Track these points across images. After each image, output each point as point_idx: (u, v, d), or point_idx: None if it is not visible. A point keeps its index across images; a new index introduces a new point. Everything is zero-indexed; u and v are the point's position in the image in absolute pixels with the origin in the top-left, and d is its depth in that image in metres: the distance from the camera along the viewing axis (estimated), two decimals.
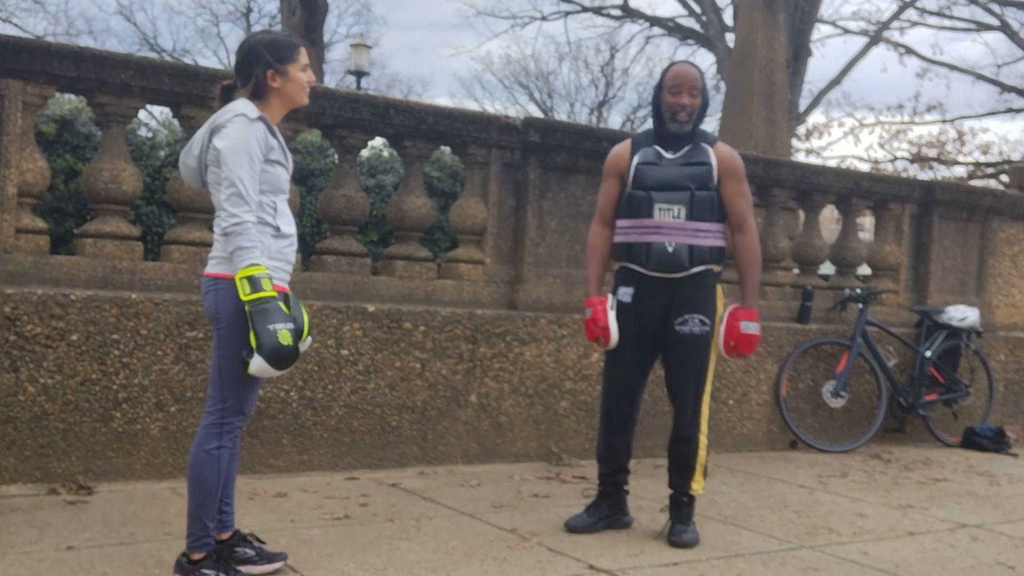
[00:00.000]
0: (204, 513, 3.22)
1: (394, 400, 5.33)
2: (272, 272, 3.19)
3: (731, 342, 4.14)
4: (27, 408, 4.42)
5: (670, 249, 4.10)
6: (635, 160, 4.22)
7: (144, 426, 4.67)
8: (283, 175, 3.29)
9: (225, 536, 3.40)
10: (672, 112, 4.15)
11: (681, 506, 4.26)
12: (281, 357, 3.07)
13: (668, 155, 4.18)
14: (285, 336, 3.06)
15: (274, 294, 3.10)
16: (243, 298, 3.07)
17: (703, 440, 4.24)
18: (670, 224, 4.11)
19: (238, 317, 3.14)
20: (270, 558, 3.43)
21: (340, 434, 5.18)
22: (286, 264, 3.31)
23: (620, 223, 4.25)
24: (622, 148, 4.32)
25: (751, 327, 4.13)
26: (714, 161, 4.14)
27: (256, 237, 3.12)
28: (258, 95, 3.29)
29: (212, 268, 3.23)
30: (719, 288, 4.24)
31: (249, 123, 3.15)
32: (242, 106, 3.20)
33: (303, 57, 3.33)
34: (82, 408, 4.54)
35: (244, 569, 3.34)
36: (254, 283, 3.07)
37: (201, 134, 3.27)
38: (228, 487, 3.39)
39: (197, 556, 3.22)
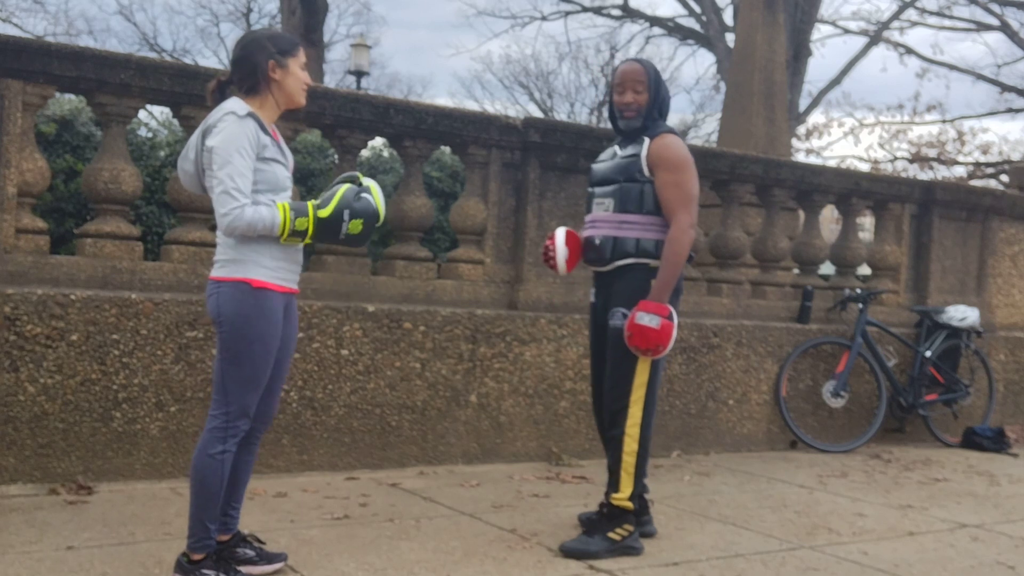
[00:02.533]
0: (206, 515, 3.21)
1: (394, 400, 5.33)
2: (279, 272, 3.21)
3: (628, 332, 3.91)
4: (27, 408, 4.42)
5: (597, 242, 4.12)
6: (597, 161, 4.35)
7: (144, 426, 4.67)
8: (281, 173, 3.27)
9: (225, 537, 3.40)
10: (620, 111, 4.14)
11: (600, 515, 4.02)
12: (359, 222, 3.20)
13: (620, 152, 4.19)
14: (355, 225, 3.20)
15: (310, 223, 3.16)
16: (310, 229, 3.17)
17: (629, 443, 3.98)
18: (601, 217, 4.14)
19: (239, 320, 3.14)
20: (270, 559, 3.44)
21: (340, 434, 5.18)
22: (292, 264, 3.30)
23: None
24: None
25: (646, 318, 3.87)
26: (644, 152, 4.04)
27: (254, 211, 3.09)
28: (255, 90, 3.26)
29: (215, 271, 3.22)
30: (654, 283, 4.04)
31: (239, 120, 3.13)
32: (232, 104, 3.19)
33: (303, 56, 3.34)
34: (82, 408, 4.54)
35: (244, 569, 3.34)
36: (299, 234, 3.15)
37: (195, 138, 3.26)
38: (239, 491, 3.40)
39: (197, 556, 3.22)
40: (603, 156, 4.32)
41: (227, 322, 3.16)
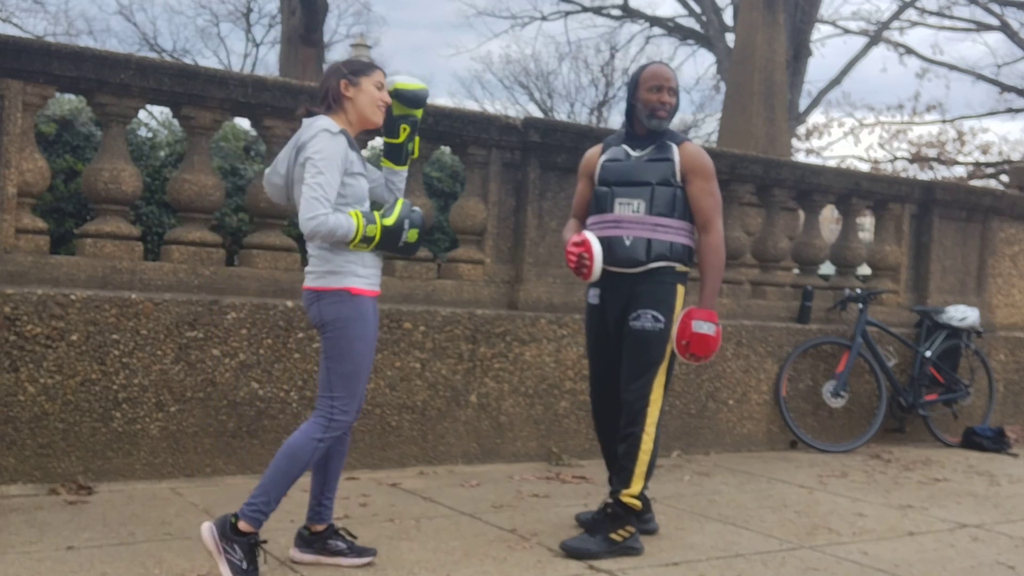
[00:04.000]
0: (275, 491, 3.34)
1: (394, 400, 5.33)
2: (371, 280, 3.46)
3: (683, 341, 3.99)
4: (27, 408, 4.42)
5: (627, 243, 4.06)
6: (602, 158, 4.26)
7: (144, 426, 4.67)
8: (364, 185, 3.51)
9: (320, 528, 3.59)
10: (651, 109, 4.11)
11: (603, 515, 4.00)
12: (410, 234, 3.48)
13: (635, 153, 4.17)
14: (412, 234, 3.48)
15: (378, 230, 3.39)
16: (377, 236, 3.40)
17: (647, 441, 4.01)
18: (629, 218, 4.08)
19: (341, 323, 3.39)
20: (360, 552, 3.60)
21: None
22: (378, 270, 3.54)
23: (588, 221, 4.26)
24: (594, 149, 4.37)
25: (704, 326, 3.99)
26: (677, 158, 4.08)
27: (335, 218, 3.31)
28: (331, 110, 3.48)
29: (311, 282, 3.46)
30: (680, 287, 4.10)
31: (332, 137, 3.35)
32: (324, 122, 3.40)
33: (379, 77, 3.53)
34: (82, 408, 4.54)
35: (335, 560, 3.52)
36: (367, 240, 3.38)
37: (286, 153, 3.49)
38: (332, 483, 3.61)
39: (245, 527, 3.27)
40: (612, 155, 4.23)
41: (331, 326, 3.41)
